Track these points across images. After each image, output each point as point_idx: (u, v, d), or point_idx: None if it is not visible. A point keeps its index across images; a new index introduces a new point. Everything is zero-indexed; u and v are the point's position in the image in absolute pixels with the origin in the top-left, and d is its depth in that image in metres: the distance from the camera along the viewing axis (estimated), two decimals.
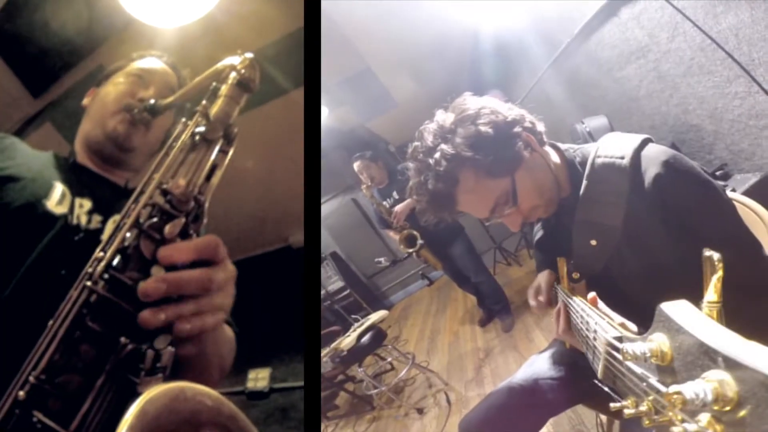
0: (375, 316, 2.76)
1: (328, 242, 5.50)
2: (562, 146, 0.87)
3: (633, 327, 0.61)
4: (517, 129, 0.78)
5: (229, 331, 0.79)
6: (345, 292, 4.92)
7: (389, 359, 3.21)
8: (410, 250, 2.84)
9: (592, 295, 0.67)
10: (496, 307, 3.00)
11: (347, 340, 2.48)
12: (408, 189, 0.84)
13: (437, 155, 0.76)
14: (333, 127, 4.00)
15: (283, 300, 1.68)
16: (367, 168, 2.87)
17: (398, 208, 2.78)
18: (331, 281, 4.98)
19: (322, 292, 4.73)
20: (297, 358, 2.07)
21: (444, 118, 0.79)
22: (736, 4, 1.42)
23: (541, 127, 0.83)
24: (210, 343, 0.68)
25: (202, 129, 0.63)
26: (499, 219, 0.82)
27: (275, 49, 1.52)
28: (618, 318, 0.62)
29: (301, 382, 1.96)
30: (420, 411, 2.43)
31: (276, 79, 1.53)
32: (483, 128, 0.75)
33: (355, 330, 2.61)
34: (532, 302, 0.94)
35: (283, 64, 1.47)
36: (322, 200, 5.34)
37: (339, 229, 5.53)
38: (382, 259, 3.05)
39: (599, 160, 0.76)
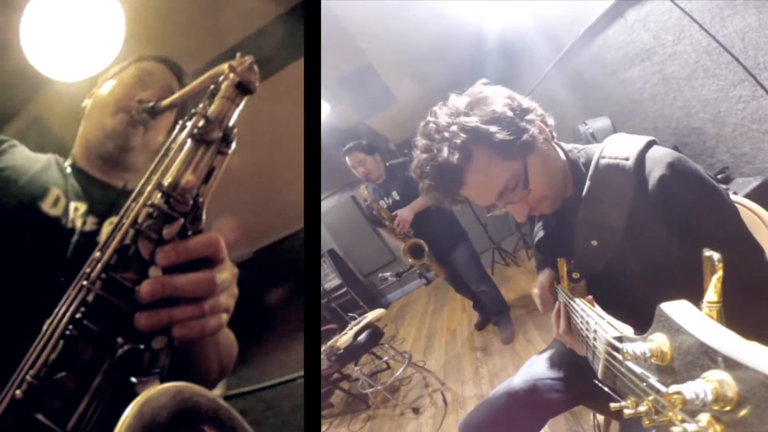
0: (372, 315, 2.75)
1: (326, 239, 5.50)
2: (566, 146, 0.87)
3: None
4: (531, 116, 0.77)
5: (229, 332, 0.78)
6: (342, 290, 4.92)
7: (386, 358, 3.20)
8: (418, 263, 2.56)
9: (590, 297, 0.67)
10: (495, 318, 2.84)
11: (343, 338, 2.47)
12: (412, 167, 0.81)
13: (454, 128, 0.74)
14: (333, 124, 3.99)
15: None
16: (362, 162, 2.53)
17: (402, 213, 2.51)
18: (329, 279, 4.98)
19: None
20: (247, 363, 2.03)
21: (458, 101, 0.79)
22: (744, 7, 1.41)
23: (551, 121, 0.83)
24: (210, 344, 0.67)
25: (200, 130, 0.63)
26: (503, 209, 0.81)
27: (275, 27, 1.51)
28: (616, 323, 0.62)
29: (252, 387, 1.94)
30: (416, 410, 2.43)
31: (278, 55, 1.51)
32: (500, 108, 0.74)
33: (351, 328, 2.60)
34: (536, 300, 0.93)
35: (283, 41, 1.45)
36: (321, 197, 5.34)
37: (337, 227, 5.53)
38: (387, 275, 2.88)
39: (603, 161, 0.76)
